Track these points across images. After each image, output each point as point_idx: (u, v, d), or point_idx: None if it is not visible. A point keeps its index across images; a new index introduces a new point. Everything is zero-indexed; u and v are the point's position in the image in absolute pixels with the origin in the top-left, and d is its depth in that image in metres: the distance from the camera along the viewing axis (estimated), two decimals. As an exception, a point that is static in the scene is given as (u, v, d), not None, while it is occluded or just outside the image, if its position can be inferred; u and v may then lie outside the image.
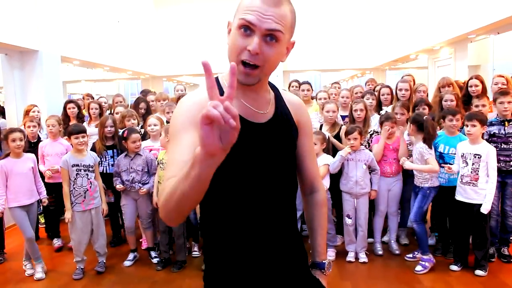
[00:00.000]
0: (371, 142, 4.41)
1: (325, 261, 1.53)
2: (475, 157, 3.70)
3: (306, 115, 1.52)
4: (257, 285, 1.36)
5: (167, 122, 4.72)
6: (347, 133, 4.14)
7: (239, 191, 1.33)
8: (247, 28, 1.22)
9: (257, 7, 1.20)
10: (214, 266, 1.40)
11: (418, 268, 3.90)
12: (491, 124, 4.01)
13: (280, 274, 1.39)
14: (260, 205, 1.35)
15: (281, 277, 1.39)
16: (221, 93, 1.17)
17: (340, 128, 4.58)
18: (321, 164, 4.09)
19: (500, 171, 3.88)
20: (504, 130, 3.94)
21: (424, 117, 3.99)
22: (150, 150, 4.38)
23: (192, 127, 1.21)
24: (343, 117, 5.03)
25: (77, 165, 3.92)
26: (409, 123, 4.09)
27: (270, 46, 1.22)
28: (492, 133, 3.98)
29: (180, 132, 1.24)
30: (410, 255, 4.13)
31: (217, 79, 1.36)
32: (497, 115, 4.05)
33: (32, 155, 4.21)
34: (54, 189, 4.51)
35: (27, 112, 5.47)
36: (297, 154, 1.49)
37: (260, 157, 1.33)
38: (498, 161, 3.86)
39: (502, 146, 3.93)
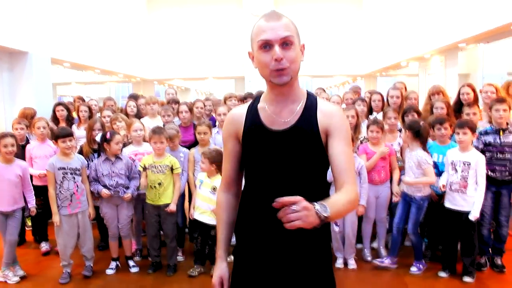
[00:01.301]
0: (358, 150, 4.39)
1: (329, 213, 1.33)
2: (464, 164, 3.71)
3: (338, 119, 1.59)
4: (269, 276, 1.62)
5: (164, 125, 4.71)
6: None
7: (256, 189, 1.64)
8: (266, 45, 1.50)
9: (266, 27, 1.50)
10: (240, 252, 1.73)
11: (413, 269, 3.95)
12: (486, 133, 3.95)
13: (291, 270, 1.59)
14: (271, 204, 1.48)
15: (292, 272, 1.60)
16: (255, 116, 1.63)
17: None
18: None
19: (495, 181, 3.88)
20: (500, 139, 3.89)
21: (421, 123, 3.97)
22: (136, 155, 4.35)
23: (228, 139, 1.72)
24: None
25: (64, 168, 3.87)
26: (403, 129, 4.06)
27: (288, 50, 1.50)
28: (487, 142, 3.93)
29: (224, 145, 1.75)
30: (378, 260, 4.15)
31: (258, 98, 1.68)
32: (491, 124, 4.01)
33: (25, 163, 4.16)
34: (42, 192, 4.41)
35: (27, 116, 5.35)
36: (330, 156, 1.58)
37: (272, 160, 1.58)
38: (494, 171, 3.87)
39: (498, 156, 3.89)
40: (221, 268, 1.75)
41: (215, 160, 3.85)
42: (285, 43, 1.49)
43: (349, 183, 1.54)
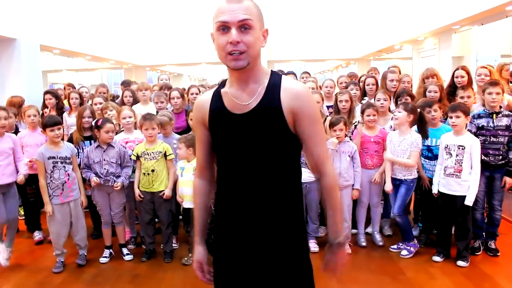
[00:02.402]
0: (352, 134, 4.36)
1: (338, 240, 1.64)
2: (459, 148, 3.69)
3: (305, 101, 1.56)
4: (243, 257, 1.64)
5: (157, 112, 4.67)
6: (332, 124, 4.07)
7: (227, 174, 1.64)
8: (224, 27, 1.47)
9: (225, 9, 1.47)
10: (216, 234, 1.74)
11: (404, 252, 3.95)
12: (479, 116, 3.92)
13: (266, 255, 1.61)
14: (241, 189, 1.59)
15: (264, 258, 1.61)
16: (219, 102, 1.61)
17: (325, 119, 4.53)
18: None
19: (488, 165, 3.86)
20: (493, 123, 3.84)
21: (418, 110, 3.96)
22: (126, 143, 4.30)
23: (196, 126, 1.73)
24: (327, 107, 5.01)
25: (53, 157, 3.81)
26: (405, 112, 3.92)
27: (246, 34, 1.47)
28: (480, 126, 3.89)
29: (194, 132, 1.73)
30: (395, 246, 4.12)
31: (223, 83, 1.66)
32: (484, 107, 3.97)
33: (14, 135, 4.17)
34: (34, 181, 4.34)
35: (15, 105, 5.29)
36: (301, 140, 1.59)
37: (238, 144, 1.57)
38: (487, 154, 3.84)
39: (491, 140, 3.86)
40: (198, 252, 1.80)
41: (191, 143, 3.85)
42: (243, 26, 1.46)
43: (325, 172, 1.63)
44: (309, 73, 6.92)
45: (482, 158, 3.83)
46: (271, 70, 1.63)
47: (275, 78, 1.59)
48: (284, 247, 1.61)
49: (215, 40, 1.52)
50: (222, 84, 1.67)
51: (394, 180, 4.04)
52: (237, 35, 1.45)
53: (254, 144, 1.54)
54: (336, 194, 1.66)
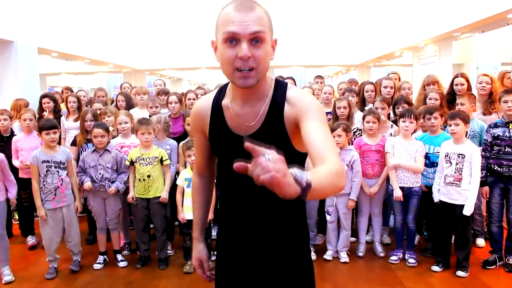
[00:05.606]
0: (353, 142, 4.30)
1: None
2: (459, 157, 3.64)
3: (305, 102, 1.41)
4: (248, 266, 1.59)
5: (149, 117, 4.61)
6: (331, 130, 4.01)
7: (232, 195, 1.57)
8: (232, 39, 1.30)
9: (235, 17, 1.29)
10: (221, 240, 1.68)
11: (411, 260, 3.93)
12: (496, 126, 3.82)
13: (269, 258, 1.56)
14: (246, 211, 1.53)
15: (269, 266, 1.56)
16: (220, 117, 1.49)
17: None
18: None
19: (502, 176, 3.78)
20: (509, 132, 3.74)
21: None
22: (122, 147, 4.25)
23: (195, 132, 1.64)
24: (326, 113, 4.96)
25: (48, 161, 3.75)
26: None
27: (257, 48, 1.31)
28: (496, 135, 3.79)
29: (193, 135, 1.76)
30: (395, 258, 4.03)
31: (224, 90, 1.54)
32: (502, 116, 3.88)
33: (1, 154, 3.94)
34: (28, 185, 4.29)
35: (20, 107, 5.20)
36: (304, 138, 1.34)
37: None
38: (501, 165, 3.77)
39: (506, 150, 3.75)
40: (198, 250, 1.76)
41: None
42: (255, 39, 1.30)
43: (330, 156, 1.23)
44: (322, 77, 6.77)
45: (495, 168, 3.78)
46: (275, 80, 1.50)
47: (280, 91, 1.46)
48: (289, 255, 1.58)
49: (220, 52, 1.36)
50: (222, 91, 1.54)
51: (402, 189, 3.94)
52: (248, 50, 1.29)
53: None
54: (339, 177, 1.17)
